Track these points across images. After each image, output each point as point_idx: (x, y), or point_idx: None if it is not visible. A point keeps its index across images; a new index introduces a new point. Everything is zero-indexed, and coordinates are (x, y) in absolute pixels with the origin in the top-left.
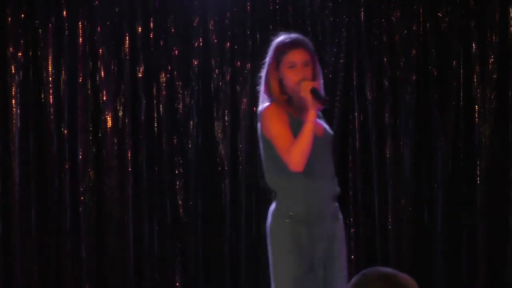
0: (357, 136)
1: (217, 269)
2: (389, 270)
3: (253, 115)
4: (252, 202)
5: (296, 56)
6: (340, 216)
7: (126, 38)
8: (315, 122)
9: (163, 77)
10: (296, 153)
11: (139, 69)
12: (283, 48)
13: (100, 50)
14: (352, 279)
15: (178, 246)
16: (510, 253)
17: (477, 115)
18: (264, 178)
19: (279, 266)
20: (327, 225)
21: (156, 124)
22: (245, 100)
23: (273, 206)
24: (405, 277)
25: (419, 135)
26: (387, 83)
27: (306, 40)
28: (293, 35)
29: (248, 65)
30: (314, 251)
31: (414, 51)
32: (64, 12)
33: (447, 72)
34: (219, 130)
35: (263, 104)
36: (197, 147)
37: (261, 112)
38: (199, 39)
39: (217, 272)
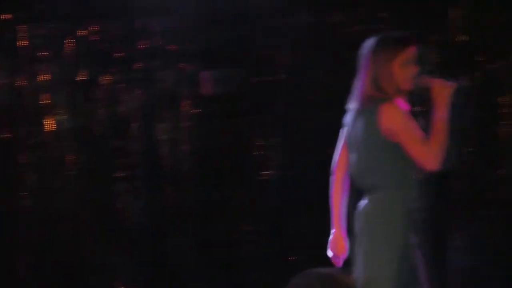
0: (303, 139)
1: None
2: (330, 270)
3: (194, 117)
4: (196, 203)
5: (410, 53)
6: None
7: (68, 41)
8: (446, 116)
9: (105, 80)
10: (438, 151)
11: (82, 72)
12: (398, 45)
13: (42, 54)
14: (292, 280)
15: (121, 249)
16: None
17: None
18: (370, 176)
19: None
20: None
21: (100, 126)
22: (188, 101)
23: (380, 202)
24: (346, 277)
25: None
26: (331, 83)
27: (415, 36)
28: (402, 32)
29: (191, 68)
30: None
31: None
32: (4, 15)
33: None
34: (164, 132)
35: (377, 103)
36: (141, 149)
37: (384, 110)
38: (144, 42)
39: (159, 275)
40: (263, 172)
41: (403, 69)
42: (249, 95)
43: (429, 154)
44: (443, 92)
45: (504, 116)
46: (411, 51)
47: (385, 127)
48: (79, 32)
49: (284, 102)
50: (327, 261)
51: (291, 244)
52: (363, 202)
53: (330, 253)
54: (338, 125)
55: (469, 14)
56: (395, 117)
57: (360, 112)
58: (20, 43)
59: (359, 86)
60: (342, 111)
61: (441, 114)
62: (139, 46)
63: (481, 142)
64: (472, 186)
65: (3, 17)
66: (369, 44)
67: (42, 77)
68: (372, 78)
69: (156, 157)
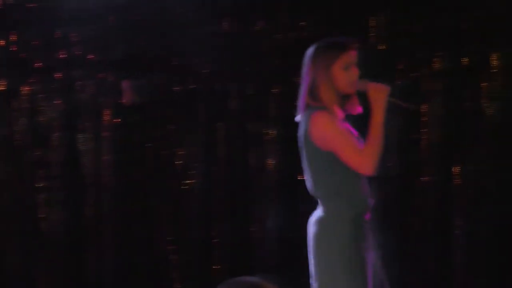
0: (220, 146)
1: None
2: (255, 279)
3: (116, 127)
4: (118, 213)
5: (351, 57)
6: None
7: None
8: (382, 123)
9: (25, 90)
10: (370, 156)
11: (1, 82)
12: (337, 49)
13: None
14: None
15: (42, 259)
16: None
17: None
18: (312, 186)
19: (338, 266)
20: (368, 228)
21: (19, 137)
22: (108, 111)
23: (324, 213)
24: (271, 286)
25: (283, 143)
26: (250, 92)
27: (356, 41)
28: (340, 37)
29: (111, 77)
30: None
31: (277, 60)
32: None
33: None
34: (84, 142)
35: (310, 111)
36: (62, 159)
37: (312, 120)
38: (62, 52)
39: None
40: (185, 181)
41: (344, 73)
42: (171, 103)
43: (362, 159)
44: (378, 95)
45: (424, 124)
46: (351, 54)
47: (316, 136)
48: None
49: (206, 110)
50: (251, 270)
51: (215, 253)
52: (316, 211)
53: None
54: (261, 133)
55: (390, 22)
56: (325, 125)
57: (300, 122)
58: None
59: (300, 94)
60: (265, 119)
61: (376, 118)
62: (59, 56)
63: (403, 150)
64: (395, 193)
65: None
66: (309, 51)
67: None
68: (309, 86)
69: (77, 167)
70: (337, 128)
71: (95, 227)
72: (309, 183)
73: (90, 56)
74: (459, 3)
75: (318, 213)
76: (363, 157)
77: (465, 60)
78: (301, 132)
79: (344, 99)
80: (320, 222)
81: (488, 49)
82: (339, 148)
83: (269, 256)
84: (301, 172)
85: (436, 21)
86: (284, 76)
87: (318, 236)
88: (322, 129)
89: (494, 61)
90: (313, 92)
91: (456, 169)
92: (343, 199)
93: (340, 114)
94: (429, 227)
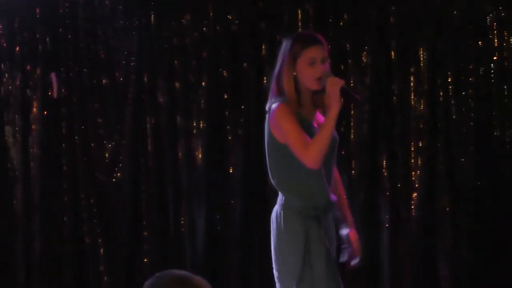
0: (149, 140)
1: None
2: (183, 272)
3: (44, 119)
4: (48, 208)
5: (316, 52)
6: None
7: None
8: (335, 119)
9: None
10: (315, 150)
11: None
12: (302, 44)
13: None
14: (146, 282)
15: None
16: None
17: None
18: (270, 177)
19: (288, 261)
20: (328, 223)
21: None
22: (36, 104)
23: (280, 207)
24: (199, 279)
25: (212, 136)
26: (178, 85)
27: (322, 37)
28: (309, 31)
29: (38, 70)
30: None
31: (204, 53)
32: None
33: (237, 73)
34: (10, 135)
35: (272, 103)
36: None
37: (273, 111)
38: None
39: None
40: (114, 174)
41: (309, 68)
42: (100, 96)
43: (306, 152)
44: (334, 89)
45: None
46: (317, 50)
47: (273, 127)
48: None
49: (134, 103)
50: (180, 263)
51: (144, 246)
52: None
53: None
54: (189, 126)
55: (317, 14)
56: (281, 117)
57: (266, 113)
58: None
59: (270, 84)
60: (193, 112)
61: (330, 113)
62: None
63: None
64: None
65: None
66: (283, 43)
67: None
68: (276, 77)
69: (4, 160)
70: (291, 121)
71: (22, 219)
72: (269, 174)
73: (17, 49)
74: None
75: (276, 206)
76: (307, 149)
77: (392, 54)
78: (265, 122)
79: (315, 95)
80: (275, 213)
81: (416, 43)
82: (289, 140)
83: (198, 249)
84: (229, 165)
85: (363, 14)
86: (212, 69)
87: (273, 226)
88: (279, 121)
89: (421, 55)
90: (278, 84)
91: (383, 163)
92: (296, 191)
93: (308, 109)
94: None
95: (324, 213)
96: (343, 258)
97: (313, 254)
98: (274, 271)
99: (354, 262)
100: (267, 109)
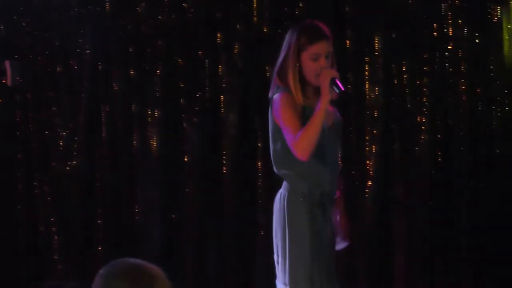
0: (103, 127)
1: None
2: (138, 260)
3: None
4: (2, 196)
5: (321, 48)
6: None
7: None
8: (325, 111)
9: None
10: (303, 141)
11: None
12: (309, 38)
13: None
14: (100, 270)
15: None
16: None
17: (223, 104)
18: (274, 164)
19: (296, 246)
20: (329, 211)
21: None
22: None
23: (285, 191)
24: (154, 267)
25: (167, 124)
26: (133, 73)
27: (327, 29)
28: (316, 24)
29: None
30: (327, 233)
31: (160, 42)
32: None
33: (193, 62)
34: None
35: (276, 92)
36: None
37: (274, 100)
38: None
39: None
40: (69, 163)
41: (312, 63)
42: (54, 84)
43: (296, 143)
44: (325, 81)
45: None
46: (322, 46)
47: (275, 116)
48: None
49: (89, 91)
50: (135, 251)
51: (98, 234)
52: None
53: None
54: (144, 115)
55: (272, 4)
56: (282, 107)
57: (269, 101)
58: None
59: (273, 72)
60: (148, 100)
61: (321, 104)
62: None
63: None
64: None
65: None
66: (288, 31)
67: None
68: (279, 67)
69: None
70: (288, 111)
71: None
72: (272, 161)
73: None
74: None
75: (279, 192)
76: (297, 140)
77: (348, 43)
78: (269, 111)
79: (308, 87)
80: (279, 196)
81: (371, 32)
82: (283, 130)
83: (153, 238)
84: (184, 153)
85: (319, 3)
86: (167, 57)
87: (276, 208)
88: (280, 110)
89: (376, 44)
90: (281, 73)
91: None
92: (301, 178)
93: (314, 100)
94: None
95: (330, 201)
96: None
97: (303, 236)
98: (276, 255)
99: (340, 246)
100: (269, 98)
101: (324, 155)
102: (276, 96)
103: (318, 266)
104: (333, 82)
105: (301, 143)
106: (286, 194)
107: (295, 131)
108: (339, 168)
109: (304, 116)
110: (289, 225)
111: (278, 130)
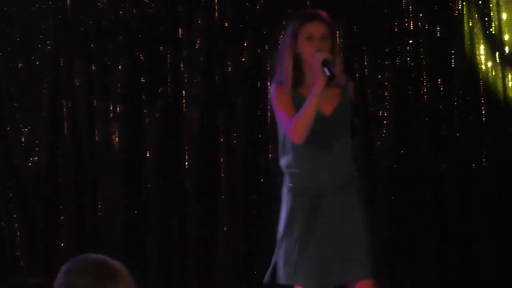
0: (65, 123)
1: None
2: (100, 256)
3: None
4: None
5: (314, 28)
6: (353, 191)
7: None
8: (319, 95)
9: None
10: (297, 124)
11: None
12: (301, 20)
13: None
14: (63, 267)
15: None
16: None
17: (185, 100)
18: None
19: (284, 237)
20: (333, 200)
21: None
22: None
23: (284, 182)
24: (116, 263)
25: (129, 120)
26: (95, 69)
27: (325, 14)
28: (311, 10)
29: None
30: (315, 217)
31: (121, 37)
32: None
33: (155, 57)
34: None
35: (272, 83)
36: None
37: (270, 91)
38: None
39: None
40: (30, 159)
41: (307, 43)
42: (15, 79)
43: (291, 126)
44: (317, 64)
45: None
46: (315, 25)
47: (272, 105)
48: None
49: (51, 86)
50: (98, 248)
51: (61, 230)
52: None
53: None
54: (106, 110)
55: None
56: (274, 98)
57: None
58: None
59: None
60: (110, 95)
61: (314, 88)
62: None
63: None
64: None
65: None
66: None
67: None
68: (278, 58)
69: None
70: (281, 100)
71: None
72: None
73: None
74: None
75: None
76: (292, 124)
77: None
78: None
79: (308, 73)
80: (282, 190)
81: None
82: (279, 118)
83: (115, 234)
84: (146, 149)
85: None
86: (128, 52)
87: (281, 203)
88: (273, 101)
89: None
90: (279, 63)
91: None
92: (293, 170)
93: (301, 89)
94: None
95: (334, 192)
96: None
97: (289, 221)
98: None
99: None
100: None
101: (324, 143)
102: (271, 87)
103: (308, 261)
104: (324, 65)
105: (296, 127)
106: (283, 186)
107: (289, 116)
108: (347, 156)
109: (301, 105)
110: (282, 217)
111: (277, 121)
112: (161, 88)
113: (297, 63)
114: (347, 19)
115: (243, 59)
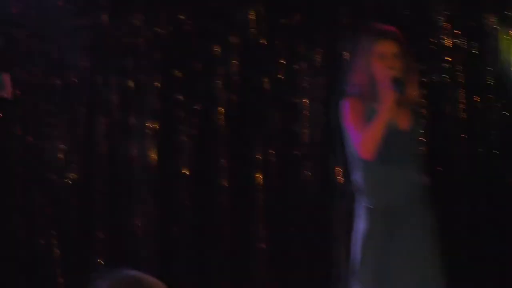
0: (101, 140)
1: None
2: (136, 272)
3: None
4: (1, 210)
5: (386, 47)
6: (425, 211)
7: None
8: (388, 111)
9: None
10: (365, 138)
11: None
12: (373, 38)
13: None
14: (100, 282)
15: None
16: None
17: (220, 117)
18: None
19: (360, 259)
20: (405, 218)
21: None
22: None
23: (357, 199)
24: (151, 279)
25: (164, 137)
26: (131, 85)
27: (397, 31)
28: (382, 26)
29: None
30: (392, 242)
31: (157, 54)
32: None
33: (191, 73)
34: None
35: (344, 97)
36: None
37: (342, 106)
38: None
39: None
40: (67, 175)
41: (380, 62)
42: (51, 96)
43: (359, 142)
44: (386, 80)
45: (304, 118)
46: (386, 44)
47: (343, 120)
48: None
49: (86, 103)
50: (134, 264)
51: (98, 247)
52: None
53: None
54: (141, 127)
55: (269, 15)
56: (346, 110)
57: None
58: None
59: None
60: (145, 112)
61: (383, 104)
62: None
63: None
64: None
65: None
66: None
67: None
68: (351, 73)
69: None
70: (352, 113)
71: None
72: None
73: None
74: None
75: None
76: (360, 139)
77: (345, 55)
78: None
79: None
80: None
81: None
82: (350, 133)
83: (151, 250)
84: (182, 165)
85: (315, 14)
86: (164, 69)
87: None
88: (345, 114)
89: None
90: (352, 78)
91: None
92: (367, 187)
93: (375, 105)
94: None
95: (397, 211)
96: None
97: (365, 250)
98: None
99: None
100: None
101: (399, 159)
102: (342, 102)
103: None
104: (393, 82)
105: (364, 141)
106: (356, 204)
107: (358, 129)
108: (420, 172)
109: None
110: (356, 238)
111: (347, 137)
112: (197, 105)
113: (370, 79)
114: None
115: (279, 76)
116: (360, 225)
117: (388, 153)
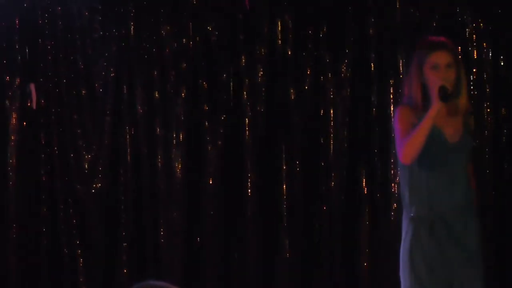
0: (128, 149)
1: None
2: (161, 283)
3: (23, 130)
4: (26, 219)
5: (439, 58)
6: (472, 223)
7: None
8: (433, 118)
9: None
10: (406, 143)
11: None
12: (426, 50)
13: None
14: None
15: None
16: None
17: (247, 127)
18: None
19: (404, 269)
20: (452, 228)
21: None
22: (15, 115)
23: (404, 210)
24: None
25: (191, 147)
26: (157, 96)
27: (450, 42)
28: (433, 36)
29: (17, 80)
30: (439, 253)
31: (184, 64)
32: None
33: (217, 84)
34: None
35: (397, 105)
36: None
37: (395, 113)
38: None
39: None
40: (93, 185)
41: (433, 72)
42: (78, 106)
43: (400, 146)
44: (435, 88)
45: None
46: (439, 55)
47: (393, 126)
48: None
49: (113, 113)
50: (159, 274)
51: (123, 257)
52: None
53: None
54: (168, 137)
55: (296, 26)
56: (395, 117)
57: None
58: None
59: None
60: (172, 123)
61: (429, 111)
62: None
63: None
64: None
65: None
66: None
67: None
68: (406, 84)
69: None
70: (401, 120)
71: None
72: None
73: None
74: (364, 9)
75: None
76: (401, 145)
77: (372, 65)
78: None
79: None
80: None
81: (395, 54)
82: (396, 139)
83: (176, 261)
84: (208, 176)
85: (342, 26)
86: (191, 80)
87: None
88: (395, 121)
89: (400, 66)
90: (407, 89)
91: (363, 174)
92: (407, 195)
93: (440, 115)
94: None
95: (442, 217)
96: None
97: (415, 260)
98: None
99: None
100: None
101: (446, 170)
102: (395, 109)
103: None
104: (440, 91)
105: (405, 146)
106: (403, 215)
107: (402, 135)
108: (468, 184)
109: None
110: (403, 249)
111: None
112: (223, 116)
113: (424, 89)
114: (409, 47)
115: (306, 87)
116: (407, 239)
117: (434, 162)
